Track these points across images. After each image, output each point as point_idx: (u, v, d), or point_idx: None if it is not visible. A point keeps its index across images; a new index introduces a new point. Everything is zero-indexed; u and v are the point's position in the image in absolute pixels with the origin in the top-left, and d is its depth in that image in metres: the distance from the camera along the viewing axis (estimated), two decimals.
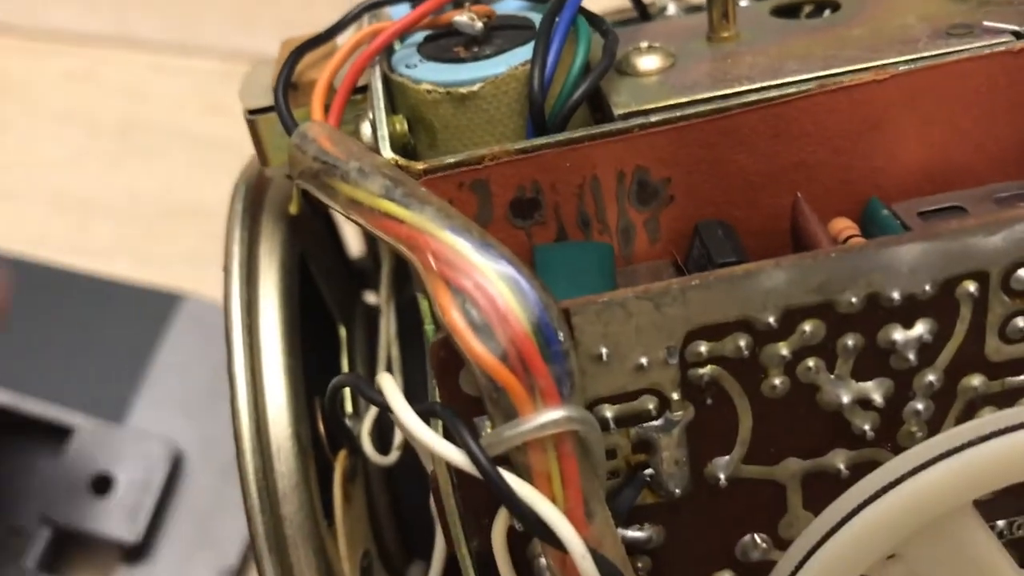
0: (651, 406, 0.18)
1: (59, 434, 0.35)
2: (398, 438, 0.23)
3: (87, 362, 0.37)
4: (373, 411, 0.23)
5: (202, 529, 0.34)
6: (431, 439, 0.17)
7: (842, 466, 0.19)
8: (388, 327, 0.23)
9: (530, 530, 0.17)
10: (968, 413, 0.19)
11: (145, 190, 0.43)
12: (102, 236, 0.42)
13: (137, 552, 0.34)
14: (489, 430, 0.18)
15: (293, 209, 0.23)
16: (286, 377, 0.21)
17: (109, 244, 0.41)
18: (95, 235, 0.42)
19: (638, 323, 0.18)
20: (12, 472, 0.35)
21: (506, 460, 0.17)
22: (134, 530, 0.33)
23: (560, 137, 0.19)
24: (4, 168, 0.44)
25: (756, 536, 0.20)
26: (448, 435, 0.17)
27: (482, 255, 0.17)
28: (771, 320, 0.18)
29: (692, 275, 0.18)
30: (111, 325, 0.38)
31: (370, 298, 0.29)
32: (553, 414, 0.17)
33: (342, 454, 0.22)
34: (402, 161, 0.19)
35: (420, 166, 0.19)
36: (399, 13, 0.23)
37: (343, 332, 0.25)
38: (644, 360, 0.18)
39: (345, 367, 0.25)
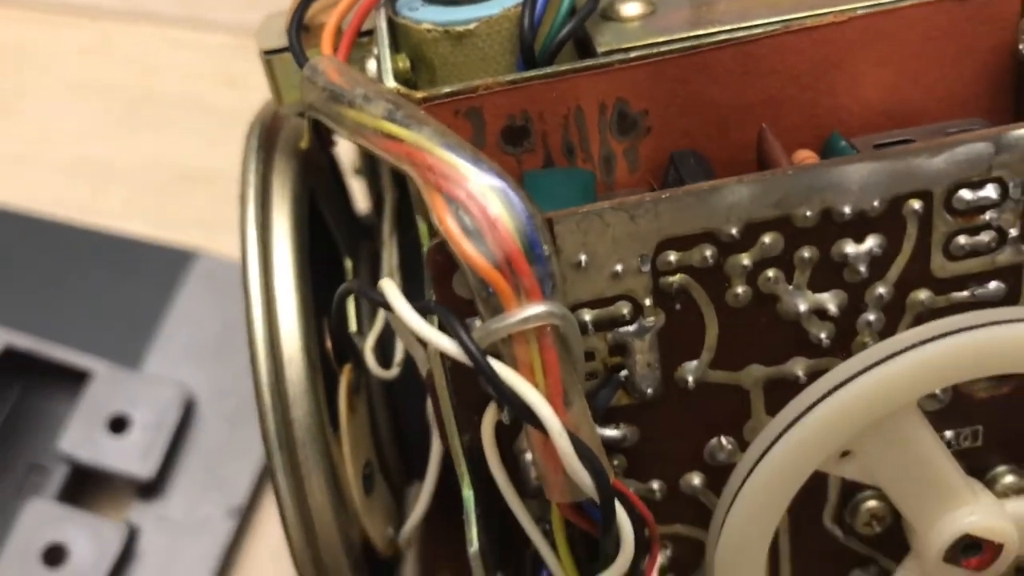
0: (626, 311, 0.21)
1: (79, 378, 0.37)
2: (399, 354, 0.25)
3: (106, 313, 0.39)
4: (377, 328, 0.25)
5: (212, 469, 0.37)
6: (426, 330, 0.19)
7: (801, 373, 0.21)
8: (390, 258, 0.26)
9: (513, 411, 0.19)
10: (917, 324, 0.21)
11: (159, 158, 0.45)
12: (117, 201, 0.44)
13: (151, 488, 0.36)
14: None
15: (304, 144, 0.25)
16: (297, 294, 0.23)
17: (123, 208, 0.43)
18: (110, 200, 0.44)
19: (614, 233, 0.20)
20: (35, 412, 0.38)
21: (495, 355, 0.19)
22: (148, 467, 0.36)
23: (547, 70, 0.21)
24: (21, 136, 0.46)
25: (723, 439, 0.22)
26: (443, 331, 0.20)
27: (474, 168, 0.19)
28: (734, 232, 0.20)
29: (664, 190, 0.20)
30: (129, 279, 0.40)
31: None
32: (535, 309, 0.19)
33: (347, 367, 0.24)
34: (403, 90, 0.22)
35: (419, 95, 0.22)
36: None
37: (348, 264, 0.27)
38: (619, 267, 0.20)
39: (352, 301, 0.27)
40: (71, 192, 0.44)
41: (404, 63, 0.23)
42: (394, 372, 0.25)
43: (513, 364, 0.19)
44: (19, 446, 0.37)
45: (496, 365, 0.19)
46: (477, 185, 0.19)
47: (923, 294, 0.21)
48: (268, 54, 0.24)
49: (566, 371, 0.19)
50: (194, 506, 0.36)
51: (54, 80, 0.48)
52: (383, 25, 0.23)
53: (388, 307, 0.20)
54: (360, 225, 0.29)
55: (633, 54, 0.21)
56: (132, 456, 0.36)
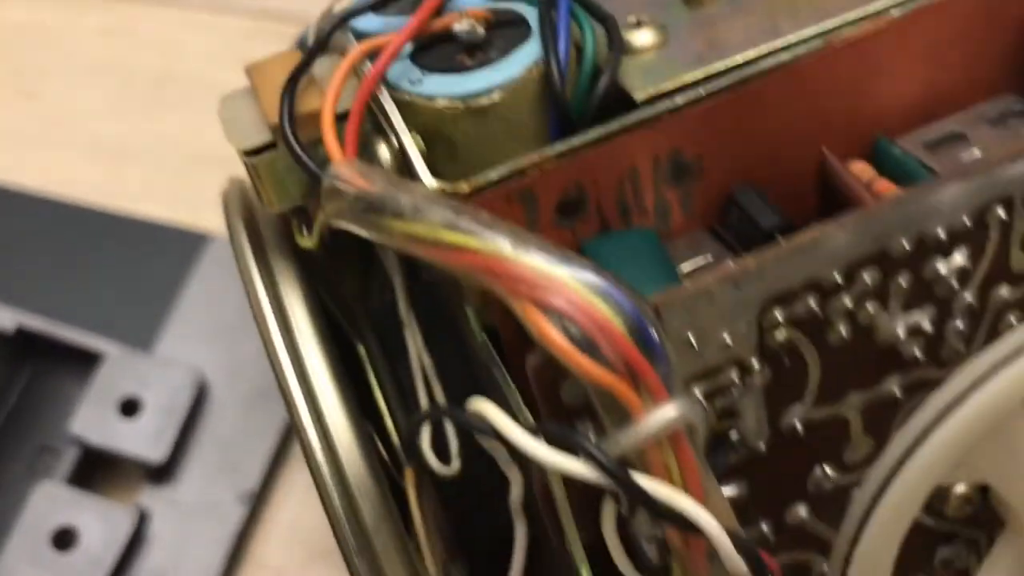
0: (734, 376, 0.19)
1: (91, 360, 0.35)
2: (454, 446, 0.23)
3: (119, 295, 0.37)
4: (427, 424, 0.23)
5: (225, 453, 0.34)
6: (559, 460, 0.17)
7: (897, 390, 0.21)
8: (416, 342, 0.23)
9: (673, 525, 0.18)
10: (998, 320, 0.21)
11: (175, 140, 0.43)
12: (133, 181, 0.42)
13: (162, 472, 0.34)
14: (591, 433, 0.19)
15: (313, 246, 0.22)
16: (348, 415, 0.21)
17: (140, 188, 0.41)
18: (127, 180, 0.42)
19: (720, 305, 0.18)
20: (46, 394, 0.35)
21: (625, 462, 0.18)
22: (159, 451, 0.33)
23: (597, 134, 0.19)
24: (40, 116, 0.44)
25: (826, 467, 0.22)
26: (556, 445, 0.18)
27: (567, 271, 0.17)
28: (836, 277, 0.19)
29: (765, 250, 0.18)
30: (142, 262, 0.38)
31: None
32: (667, 413, 0.17)
33: (409, 473, 0.22)
34: (447, 187, 0.19)
35: (466, 188, 0.19)
36: (368, 23, 0.22)
37: (362, 350, 0.25)
38: (727, 337, 0.19)
39: (375, 383, 0.25)
40: (86, 173, 0.42)
41: (420, 145, 0.20)
42: (456, 467, 0.23)
43: (647, 469, 0.18)
44: (30, 427, 0.35)
45: (639, 479, 0.18)
46: (576, 289, 0.17)
47: (1004, 290, 0.20)
48: (251, 155, 0.21)
49: (701, 463, 0.18)
50: (205, 490, 0.34)
51: (74, 61, 0.46)
52: (392, 107, 0.20)
53: (501, 437, 0.18)
54: (347, 298, 0.26)
55: (679, 99, 0.20)
56: (143, 439, 0.33)
